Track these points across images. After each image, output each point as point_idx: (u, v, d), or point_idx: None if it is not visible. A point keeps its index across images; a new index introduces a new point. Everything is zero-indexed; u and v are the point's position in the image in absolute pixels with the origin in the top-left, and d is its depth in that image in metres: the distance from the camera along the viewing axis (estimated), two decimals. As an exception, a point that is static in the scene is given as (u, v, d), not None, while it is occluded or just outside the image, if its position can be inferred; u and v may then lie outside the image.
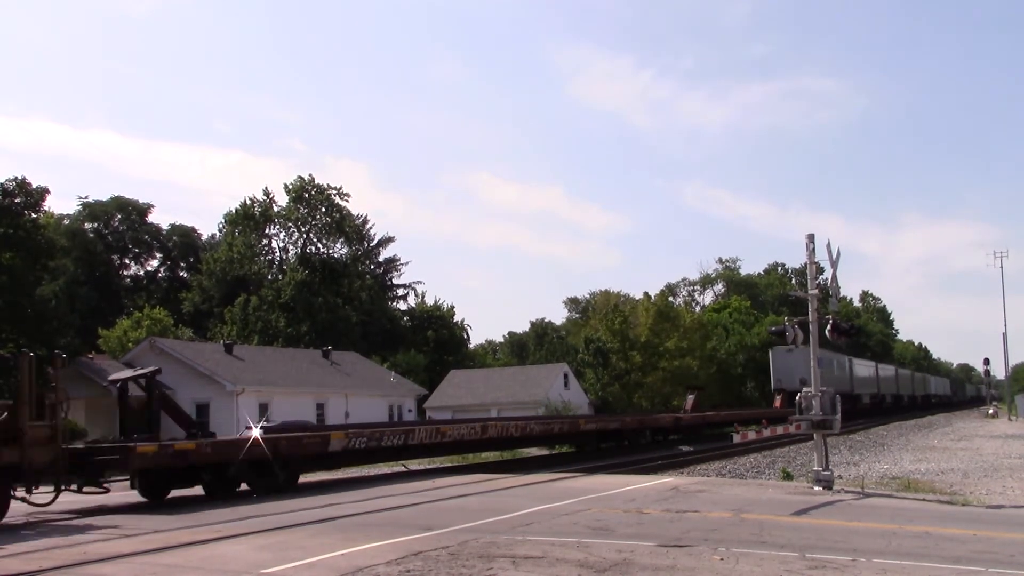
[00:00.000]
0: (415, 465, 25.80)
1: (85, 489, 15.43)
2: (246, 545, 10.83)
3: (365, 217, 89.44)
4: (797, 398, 18.24)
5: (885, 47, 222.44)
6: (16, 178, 44.71)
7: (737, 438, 21.53)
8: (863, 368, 68.78)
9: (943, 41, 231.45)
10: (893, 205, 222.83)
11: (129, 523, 13.49)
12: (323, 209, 79.50)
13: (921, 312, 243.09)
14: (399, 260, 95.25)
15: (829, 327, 18.40)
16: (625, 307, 78.29)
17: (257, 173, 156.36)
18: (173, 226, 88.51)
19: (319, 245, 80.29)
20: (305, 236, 79.84)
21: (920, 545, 10.36)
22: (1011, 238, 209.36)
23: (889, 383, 77.74)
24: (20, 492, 14.05)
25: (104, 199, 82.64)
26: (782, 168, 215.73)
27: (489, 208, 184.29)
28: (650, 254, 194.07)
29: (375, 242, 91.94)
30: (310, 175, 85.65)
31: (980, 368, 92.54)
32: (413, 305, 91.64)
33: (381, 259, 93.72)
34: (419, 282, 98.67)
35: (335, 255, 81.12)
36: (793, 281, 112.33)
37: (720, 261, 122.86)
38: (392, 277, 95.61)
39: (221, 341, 57.64)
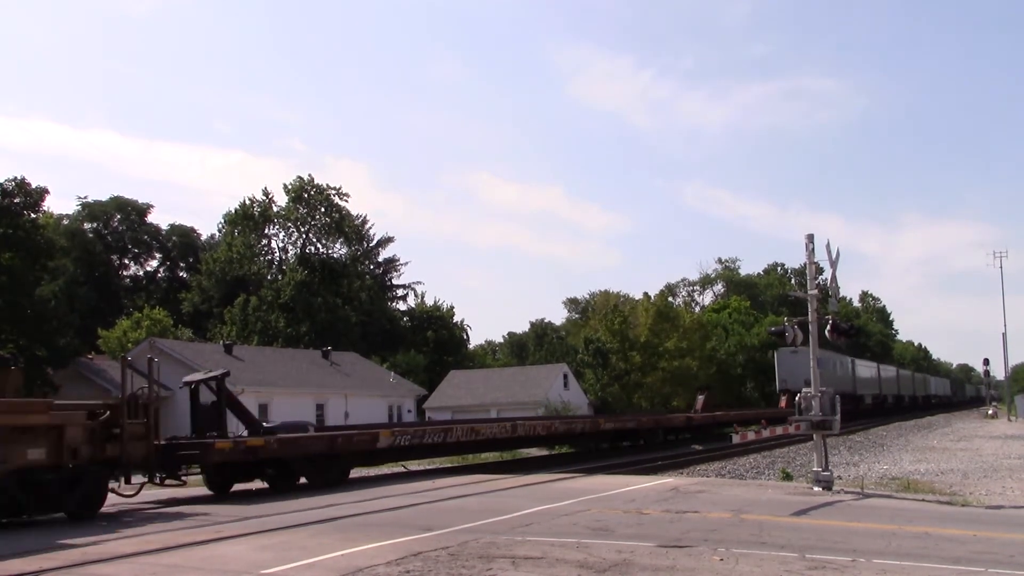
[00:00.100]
0: (414, 466, 25.81)
1: (167, 481, 16.89)
2: (246, 545, 10.84)
3: (365, 217, 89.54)
4: (797, 398, 18.24)
5: (885, 47, 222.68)
6: (16, 178, 44.73)
7: (737, 438, 21.56)
8: (865, 369, 69.04)
9: (943, 41, 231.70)
10: (893, 205, 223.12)
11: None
12: (323, 209, 79.50)
13: (921, 312, 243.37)
14: (399, 260, 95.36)
15: (829, 327, 18.40)
16: (625, 307, 78.28)
17: (257, 173, 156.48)
18: (173, 226, 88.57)
19: (319, 245, 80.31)
20: (305, 236, 79.85)
21: (920, 545, 10.37)
22: (1011, 238, 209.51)
23: (891, 384, 77.91)
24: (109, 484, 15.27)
25: (104, 199, 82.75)
26: (782, 168, 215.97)
27: (489, 208, 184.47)
28: (650, 254, 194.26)
29: (375, 242, 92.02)
30: (310, 175, 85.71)
31: (980, 368, 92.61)
32: (413, 305, 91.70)
33: (381, 259, 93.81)
34: (419, 282, 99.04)
35: (335, 255, 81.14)
36: (793, 281, 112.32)
37: (720, 261, 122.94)
38: (392, 277, 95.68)
39: (221, 341, 57.65)
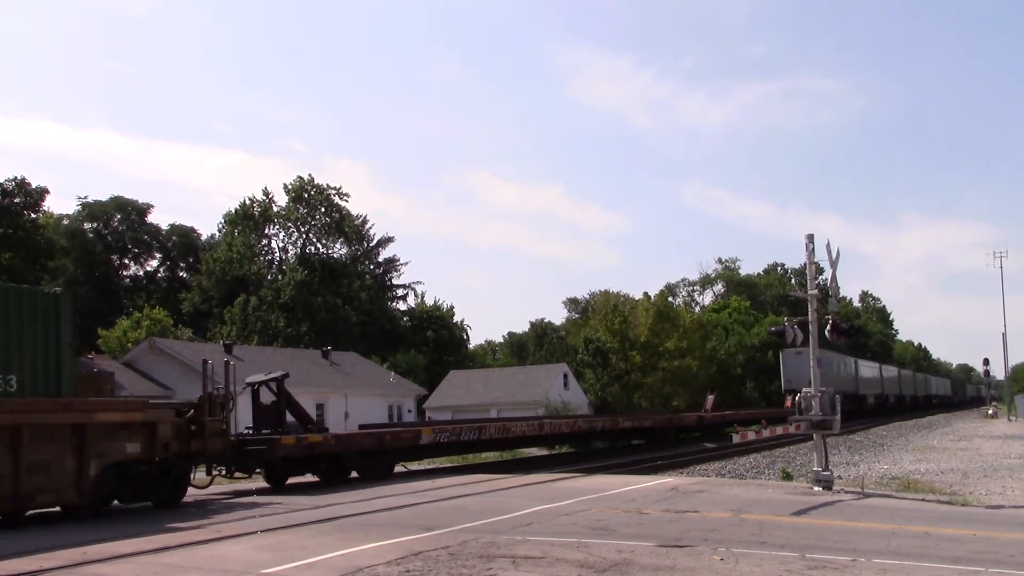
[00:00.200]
0: (414, 466, 25.82)
1: (236, 474, 18.61)
2: (246, 545, 10.84)
3: (365, 217, 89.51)
4: (797, 398, 18.24)
5: (885, 47, 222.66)
6: (16, 178, 44.81)
7: (737, 438, 21.54)
8: (867, 369, 69.40)
9: (943, 41, 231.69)
10: (893, 205, 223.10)
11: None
12: (323, 209, 79.52)
13: (921, 312, 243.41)
14: (399, 260, 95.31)
15: (829, 327, 18.40)
16: (625, 307, 78.28)
17: (257, 173, 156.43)
18: (173, 226, 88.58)
19: (319, 245, 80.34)
20: (305, 236, 79.87)
21: (920, 545, 10.37)
22: (1011, 238, 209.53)
23: (892, 384, 78.17)
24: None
25: (104, 199, 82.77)
26: (782, 168, 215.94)
27: (489, 208, 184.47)
28: (650, 254, 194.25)
29: (375, 242, 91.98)
30: (310, 175, 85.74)
31: (980, 368, 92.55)
32: (413, 305, 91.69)
33: (381, 259, 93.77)
34: (419, 282, 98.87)
35: (335, 255, 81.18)
36: (793, 281, 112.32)
37: (720, 261, 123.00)
38: (392, 277, 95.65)
39: (221, 341, 57.65)
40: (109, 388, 16.60)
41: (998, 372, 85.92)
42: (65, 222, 78.26)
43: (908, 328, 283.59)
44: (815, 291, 18.35)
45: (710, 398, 43.18)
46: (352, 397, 51.57)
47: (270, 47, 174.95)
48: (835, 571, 8.64)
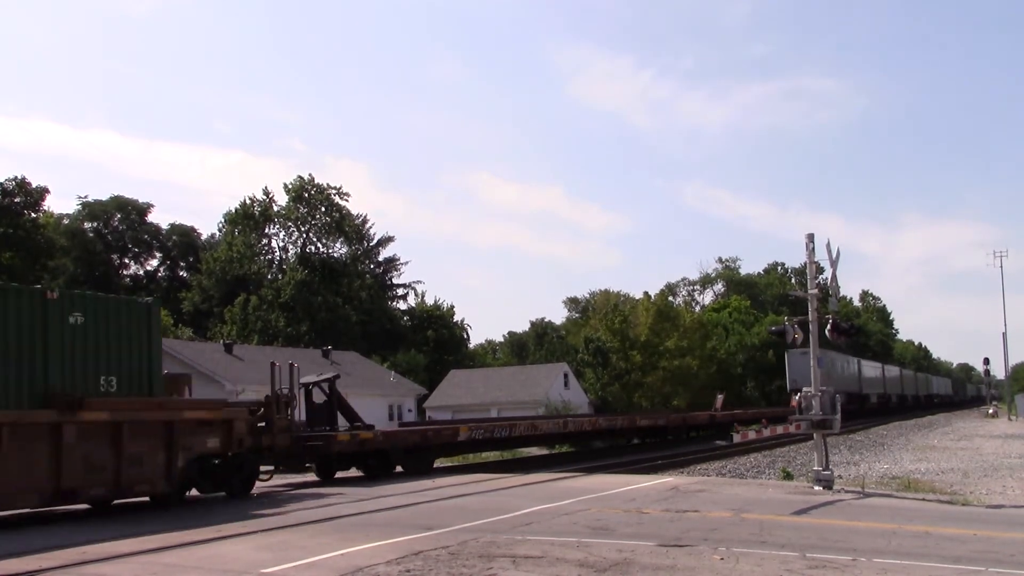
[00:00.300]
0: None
1: (300, 468, 20.19)
2: (246, 545, 10.83)
3: (365, 217, 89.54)
4: (797, 397, 18.24)
5: (885, 47, 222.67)
6: (16, 178, 44.86)
7: (737, 438, 21.54)
8: (870, 369, 69.89)
9: (943, 41, 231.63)
10: (893, 205, 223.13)
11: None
12: (323, 209, 79.53)
13: (921, 312, 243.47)
14: (399, 260, 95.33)
15: (829, 327, 18.38)
16: (625, 307, 78.29)
17: (257, 173, 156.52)
18: (173, 226, 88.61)
19: (319, 245, 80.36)
20: (305, 236, 79.88)
21: (920, 545, 10.36)
22: (1011, 238, 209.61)
23: (894, 383, 78.46)
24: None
25: (104, 199, 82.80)
26: (782, 168, 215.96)
27: (489, 208, 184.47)
28: (650, 254, 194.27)
29: (375, 242, 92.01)
30: (310, 175, 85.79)
31: (980, 368, 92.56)
32: (413, 305, 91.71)
33: (381, 259, 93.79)
34: (419, 282, 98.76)
35: (335, 255, 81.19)
36: (793, 281, 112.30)
37: (720, 261, 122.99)
38: (392, 277, 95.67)
39: (221, 341, 57.66)
40: (187, 388, 18.05)
41: (998, 372, 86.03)
42: (65, 222, 78.29)
43: (908, 328, 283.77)
44: (815, 291, 18.34)
45: (719, 398, 44.50)
46: (352, 397, 51.02)
47: (270, 47, 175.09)
48: (835, 571, 8.62)
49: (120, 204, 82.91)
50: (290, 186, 78.83)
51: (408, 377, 63.59)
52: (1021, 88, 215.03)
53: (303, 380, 21.82)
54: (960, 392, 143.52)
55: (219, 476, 16.83)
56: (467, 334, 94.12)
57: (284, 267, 78.42)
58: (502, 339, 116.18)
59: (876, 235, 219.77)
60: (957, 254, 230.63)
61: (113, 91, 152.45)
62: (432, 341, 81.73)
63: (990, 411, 73.58)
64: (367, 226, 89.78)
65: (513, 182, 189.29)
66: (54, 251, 54.17)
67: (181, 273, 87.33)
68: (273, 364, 19.28)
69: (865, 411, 61.58)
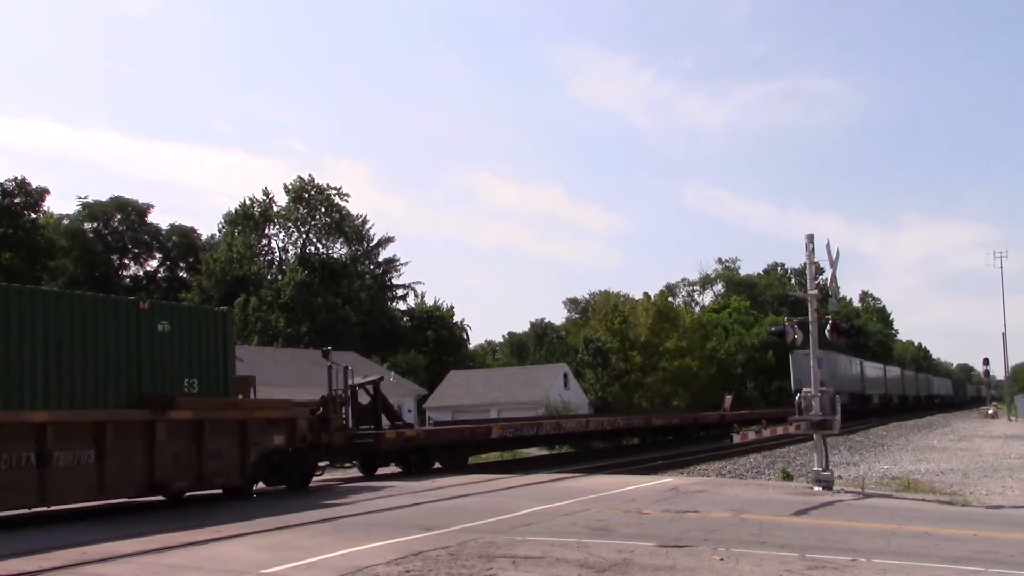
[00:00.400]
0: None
1: (345, 464, 21.67)
2: (246, 545, 10.84)
3: (365, 217, 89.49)
4: (797, 398, 18.25)
5: (885, 47, 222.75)
6: (16, 178, 44.85)
7: (737, 438, 21.49)
8: (872, 370, 70.38)
9: (943, 41, 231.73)
10: (893, 205, 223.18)
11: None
12: (323, 209, 79.51)
13: (921, 312, 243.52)
14: (399, 260, 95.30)
15: (829, 327, 18.37)
16: (625, 307, 78.30)
17: (257, 173, 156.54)
18: (173, 226, 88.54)
19: (319, 245, 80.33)
20: (305, 236, 79.86)
21: (920, 545, 10.36)
22: (1011, 238, 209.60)
23: (896, 384, 78.80)
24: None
25: (104, 199, 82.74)
26: (782, 168, 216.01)
27: (489, 208, 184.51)
28: (650, 254, 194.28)
29: (375, 242, 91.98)
30: (310, 175, 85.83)
31: (980, 368, 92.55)
32: (413, 305, 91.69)
33: (381, 259, 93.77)
34: (419, 282, 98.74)
35: (335, 255, 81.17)
36: (793, 281, 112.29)
37: (720, 261, 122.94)
38: (392, 277, 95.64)
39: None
40: (252, 389, 18.90)
41: (998, 372, 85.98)
42: (65, 222, 78.26)
43: (908, 328, 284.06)
44: (815, 291, 18.33)
45: (728, 398, 45.93)
46: (352, 397, 51.43)
47: (270, 47, 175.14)
48: (835, 571, 8.63)
49: (120, 204, 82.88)
50: (290, 186, 78.85)
51: (408, 378, 63.60)
52: (1021, 88, 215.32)
53: (349, 382, 22.80)
54: (960, 392, 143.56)
55: (282, 470, 17.98)
56: (467, 334, 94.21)
57: (284, 268, 78.41)
58: (502, 339, 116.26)
59: (876, 235, 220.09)
60: (957, 254, 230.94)
61: (113, 91, 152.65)
62: (432, 342, 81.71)
63: (990, 411, 73.53)
64: (367, 226, 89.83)
65: (513, 182, 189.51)
66: (54, 251, 54.13)
67: (181, 274, 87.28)
68: (330, 367, 20.83)
69: (867, 411, 62.01)
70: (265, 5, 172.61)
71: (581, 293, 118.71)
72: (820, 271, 21.05)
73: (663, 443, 37.27)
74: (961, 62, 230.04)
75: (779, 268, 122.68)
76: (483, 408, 60.39)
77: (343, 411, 20.38)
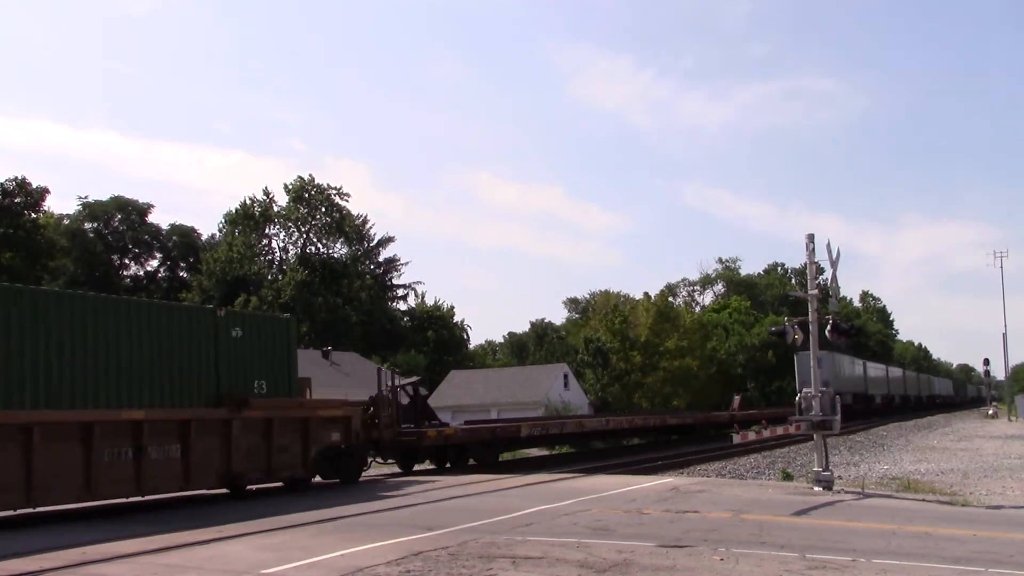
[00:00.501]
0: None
1: (388, 460, 23.09)
2: (247, 545, 10.85)
3: (365, 217, 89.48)
4: (797, 398, 18.26)
5: (885, 47, 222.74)
6: (16, 178, 44.82)
7: (737, 438, 21.50)
8: (875, 370, 70.93)
9: (943, 41, 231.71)
10: (893, 205, 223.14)
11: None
12: (323, 209, 79.50)
13: (921, 312, 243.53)
14: (399, 260, 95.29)
15: (829, 327, 18.38)
16: (625, 307, 78.28)
17: (257, 173, 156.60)
18: (173, 226, 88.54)
19: (319, 245, 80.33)
20: (305, 236, 79.87)
21: (920, 545, 10.37)
22: (1011, 238, 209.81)
23: (898, 384, 79.21)
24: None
25: (104, 199, 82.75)
26: (782, 168, 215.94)
27: (489, 208, 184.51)
28: (650, 254, 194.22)
29: (375, 242, 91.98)
30: (310, 175, 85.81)
31: (980, 368, 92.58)
32: (413, 305, 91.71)
33: (381, 259, 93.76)
34: (419, 282, 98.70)
35: (335, 255, 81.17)
36: (793, 281, 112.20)
37: (720, 261, 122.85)
38: (392, 277, 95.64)
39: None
40: (308, 390, 20.06)
41: (998, 372, 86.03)
42: (65, 222, 78.27)
43: (908, 328, 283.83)
44: (815, 291, 18.34)
45: (736, 398, 46.99)
46: (352, 397, 51.38)
47: (270, 47, 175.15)
48: (835, 571, 8.64)
49: (120, 204, 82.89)
50: (290, 186, 78.86)
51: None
52: (1021, 88, 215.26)
53: (392, 383, 24.14)
54: (961, 393, 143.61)
55: (337, 465, 19.32)
56: (467, 335, 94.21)
57: (284, 267, 78.41)
58: (502, 339, 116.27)
59: (876, 235, 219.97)
60: (957, 254, 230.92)
61: (113, 91, 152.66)
62: (432, 342, 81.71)
63: (990, 412, 73.52)
64: (367, 226, 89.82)
65: (513, 182, 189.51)
66: (54, 251, 54.08)
67: (181, 274, 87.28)
68: (379, 369, 23.08)
69: (870, 411, 62.63)
70: (265, 5, 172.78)
71: (581, 293, 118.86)
72: (820, 271, 21.07)
73: (675, 442, 38.67)
74: (961, 62, 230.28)
75: (779, 268, 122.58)
76: (483, 408, 60.37)
77: (391, 410, 21.67)
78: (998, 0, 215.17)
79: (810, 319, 18.19)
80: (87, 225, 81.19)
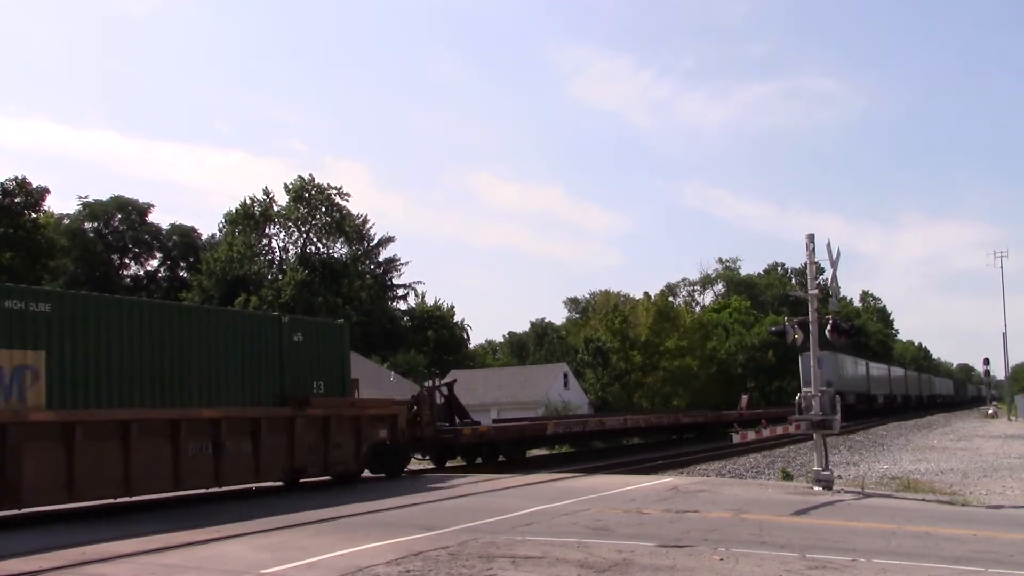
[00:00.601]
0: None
1: (427, 456, 24.74)
2: (246, 545, 10.84)
3: (365, 217, 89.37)
4: (797, 398, 18.26)
5: (885, 47, 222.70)
6: (16, 178, 44.79)
7: (737, 438, 21.50)
8: (877, 370, 71.36)
9: (943, 41, 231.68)
10: (893, 205, 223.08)
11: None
12: (323, 209, 79.41)
13: (921, 312, 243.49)
14: (399, 260, 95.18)
15: (829, 327, 18.37)
16: (625, 307, 78.26)
17: (257, 173, 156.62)
18: (173, 226, 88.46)
19: (319, 245, 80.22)
20: (305, 236, 79.79)
21: (920, 545, 10.36)
22: (1011, 238, 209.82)
23: (899, 384, 79.59)
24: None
25: (104, 199, 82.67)
26: (782, 168, 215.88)
27: (489, 208, 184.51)
28: (650, 254, 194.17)
29: (375, 242, 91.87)
30: (310, 175, 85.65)
31: (980, 368, 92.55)
32: (413, 305, 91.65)
33: (381, 259, 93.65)
34: (419, 282, 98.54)
35: (335, 255, 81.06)
36: (793, 281, 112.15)
37: (720, 261, 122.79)
38: (392, 277, 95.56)
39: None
40: (357, 390, 21.10)
41: (998, 372, 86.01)
42: (65, 222, 78.23)
43: (908, 328, 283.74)
44: (815, 291, 18.33)
45: (744, 398, 48.11)
46: (352, 397, 51.43)
47: (270, 47, 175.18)
48: (835, 571, 8.63)
49: (120, 204, 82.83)
50: (290, 186, 78.75)
51: (408, 378, 63.52)
52: (1021, 88, 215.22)
53: (426, 384, 26.08)
54: (961, 393, 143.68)
55: (383, 460, 20.60)
56: (467, 334, 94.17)
57: (284, 267, 78.35)
58: (502, 339, 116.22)
59: (876, 235, 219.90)
60: (957, 254, 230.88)
61: (113, 91, 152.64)
62: (432, 341, 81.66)
63: (990, 411, 73.54)
64: (367, 226, 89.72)
65: (513, 182, 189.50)
66: (54, 251, 54.08)
67: (181, 273, 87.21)
68: (424, 372, 23.27)
69: (873, 411, 63.08)
70: (265, 5, 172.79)
71: (581, 293, 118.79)
72: (820, 271, 21.06)
73: (679, 441, 39.68)
74: (961, 62, 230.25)
75: (779, 268, 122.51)
76: (483, 408, 60.26)
77: (432, 409, 23.08)
78: (998, 0, 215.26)
79: (810, 319, 18.18)
80: (87, 225, 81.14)
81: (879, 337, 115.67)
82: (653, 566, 8.90)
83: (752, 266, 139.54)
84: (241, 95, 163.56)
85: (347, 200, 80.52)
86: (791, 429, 19.92)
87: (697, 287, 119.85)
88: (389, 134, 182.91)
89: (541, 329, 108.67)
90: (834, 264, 18.48)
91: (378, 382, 56.91)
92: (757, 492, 16.74)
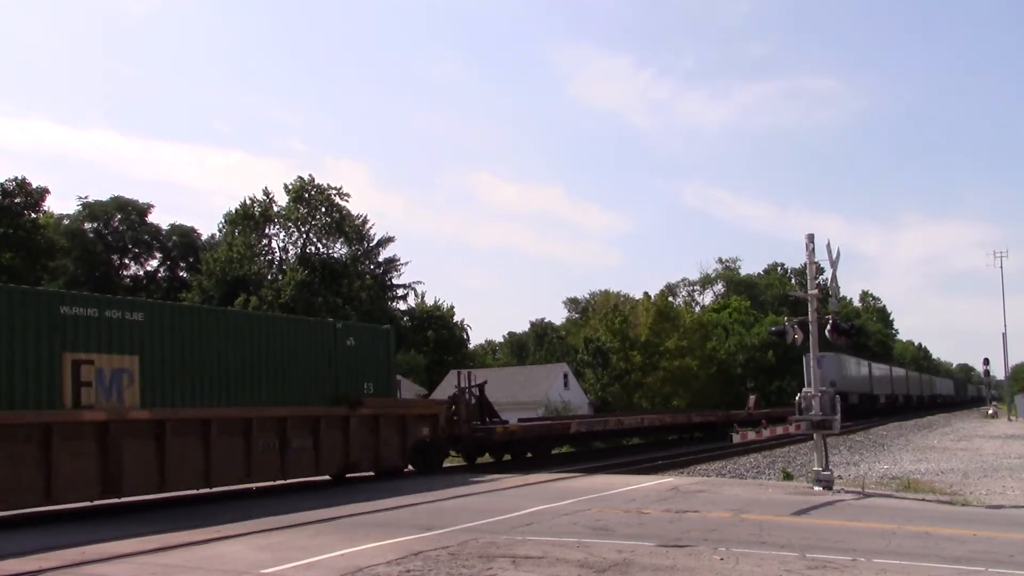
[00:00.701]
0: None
1: (458, 453, 25.48)
2: (246, 545, 10.83)
3: (365, 217, 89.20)
4: (797, 398, 18.25)
5: (885, 47, 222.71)
6: (16, 178, 44.78)
7: (737, 438, 21.49)
8: (879, 371, 71.73)
9: (943, 41, 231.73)
10: (893, 205, 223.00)
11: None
12: (323, 209, 79.34)
13: (921, 312, 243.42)
14: (399, 260, 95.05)
15: (829, 327, 18.37)
16: (625, 307, 78.22)
17: (257, 173, 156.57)
18: (173, 226, 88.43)
19: (319, 245, 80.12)
20: (305, 236, 79.71)
21: (920, 545, 10.36)
22: (1011, 238, 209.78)
23: (901, 384, 79.96)
24: None
25: (104, 199, 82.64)
26: (782, 168, 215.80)
27: (489, 208, 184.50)
28: (650, 254, 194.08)
29: (375, 242, 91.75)
30: (310, 175, 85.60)
31: (980, 368, 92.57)
32: (413, 305, 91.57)
33: (381, 259, 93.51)
34: (419, 282, 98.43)
35: (335, 255, 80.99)
36: (793, 281, 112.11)
37: (720, 261, 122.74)
38: (392, 277, 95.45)
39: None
40: (399, 390, 22.55)
41: (998, 372, 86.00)
42: (65, 222, 78.21)
43: (908, 328, 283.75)
44: (815, 291, 18.33)
45: (752, 398, 48.32)
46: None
47: (270, 47, 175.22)
48: (835, 571, 8.63)
49: (120, 204, 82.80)
50: (290, 186, 78.69)
51: (408, 378, 63.55)
52: (1021, 88, 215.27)
53: (461, 385, 26.56)
54: (961, 392, 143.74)
55: (425, 457, 21.81)
56: (467, 334, 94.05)
57: (284, 267, 78.32)
58: (502, 339, 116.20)
59: (876, 235, 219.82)
60: (957, 254, 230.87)
61: (113, 91, 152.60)
62: (432, 341, 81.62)
63: (990, 411, 73.52)
64: (367, 226, 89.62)
65: (513, 182, 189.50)
66: (54, 251, 54.03)
67: (181, 273, 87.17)
68: (459, 373, 26.75)
69: (875, 411, 63.51)
70: (265, 5, 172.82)
71: (581, 293, 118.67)
72: (820, 271, 21.07)
73: (683, 441, 40.44)
74: (961, 62, 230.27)
75: (779, 268, 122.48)
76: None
77: (468, 408, 24.19)
78: (998, 0, 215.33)
79: (810, 319, 18.18)
80: (87, 225, 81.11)
81: (879, 337, 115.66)
82: (653, 566, 8.90)
83: (752, 266, 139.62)
84: (241, 95, 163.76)
85: (347, 200, 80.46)
86: (791, 429, 19.92)
87: (697, 287, 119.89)
88: (389, 134, 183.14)
89: (541, 329, 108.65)
90: (834, 264, 18.48)
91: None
92: (757, 492, 16.73)
